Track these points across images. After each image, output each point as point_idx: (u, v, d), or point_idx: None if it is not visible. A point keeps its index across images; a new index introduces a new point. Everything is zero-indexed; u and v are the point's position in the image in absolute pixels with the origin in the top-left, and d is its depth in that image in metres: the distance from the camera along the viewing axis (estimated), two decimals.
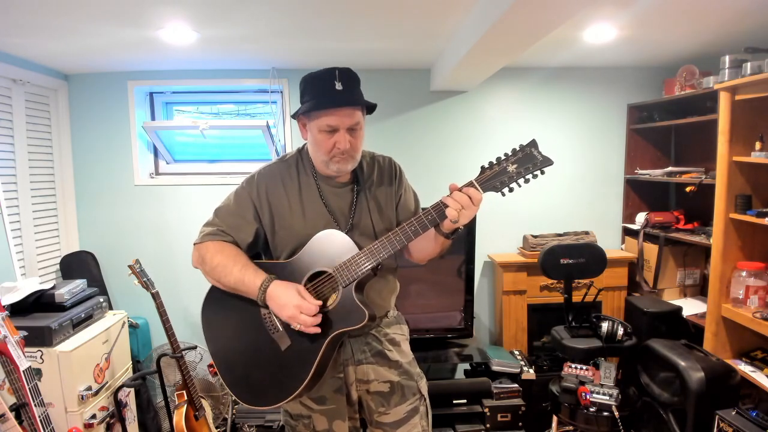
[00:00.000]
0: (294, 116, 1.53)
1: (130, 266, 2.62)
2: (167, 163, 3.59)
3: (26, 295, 2.43)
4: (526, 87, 3.48)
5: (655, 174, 3.24)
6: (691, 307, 2.95)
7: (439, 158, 3.48)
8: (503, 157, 1.42)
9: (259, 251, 1.65)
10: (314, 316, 1.42)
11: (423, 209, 1.47)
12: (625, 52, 3.04)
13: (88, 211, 3.44)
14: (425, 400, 1.70)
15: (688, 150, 3.37)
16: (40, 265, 3.10)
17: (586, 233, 3.40)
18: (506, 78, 3.40)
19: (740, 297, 2.44)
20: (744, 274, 2.44)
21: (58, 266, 3.26)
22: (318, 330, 1.44)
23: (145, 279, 2.63)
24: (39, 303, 2.47)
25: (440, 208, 1.41)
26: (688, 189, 2.86)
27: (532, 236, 3.36)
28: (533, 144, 1.42)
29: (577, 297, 2.93)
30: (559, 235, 3.38)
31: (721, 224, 2.48)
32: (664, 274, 3.17)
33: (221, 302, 1.58)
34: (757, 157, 2.32)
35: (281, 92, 3.41)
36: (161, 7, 2.14)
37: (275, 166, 1.61)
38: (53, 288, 2.55)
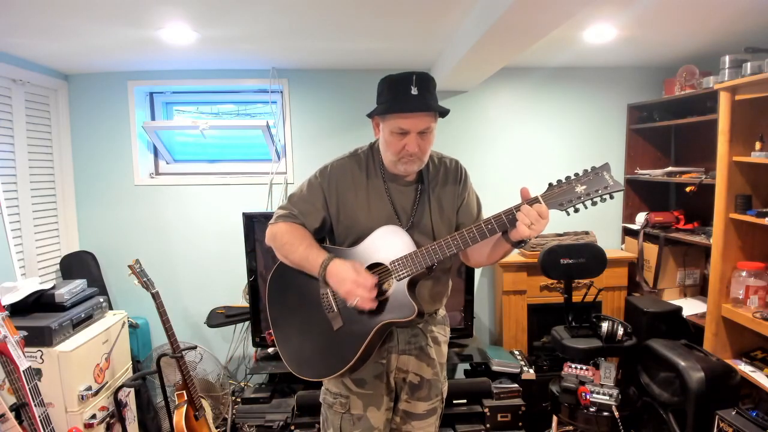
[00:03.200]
0: (369, 116, 1.59)
1: (130, 266, 2.62)
2: (167, 163, 3.59)
3: (26, 295, 2.43)
4: (526, 87, 3.48)
5: (655, 174, 3.24)
6: (691, 307, 2.94)
7: None
8: (573, 177, 1.42)
9: (324, 236, 1.74)
10: (370, 291, 1.48)
11: (484, 219, 1.49)
12: (625, 52, 3.04)
13: (88, 211, 3.44)
14: (442, 402, 1.79)
15: (688, 150, 3.37)
16: (40, 265, 3.10)
17: (586, 233, 3.40)
18: (506, 78, 3.40)
19: (740, 297, 2.44)
20: (744, 274, 2.44)
21: (58, 266, 3.27)
22: (374, 305, 1.50)
23: (145, 279, 2.63)
24: (39, 303, 2.47)
25: (502, 219, 1.43)
26: (688, 189, 2.86)
27: None
28: (606, 167, 1.40)
29: (577, 297, 2.93)
30: (559, 235, 3.38)
31: (721, 224, 2.48)
32: (664, 274, 3.17)
33: (286, 277, 1.69)
34: (757, 157, 2.32)
35: (281, 92, 3.41)
36: (161, 7, 2.14)
37: (346, 160, 1.68)
38: (53, 288, 2.55)
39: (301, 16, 2.29)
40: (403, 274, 1.51)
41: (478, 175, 3.37)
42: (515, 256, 3.41)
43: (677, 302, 3.02)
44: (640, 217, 3.32)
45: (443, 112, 1.56)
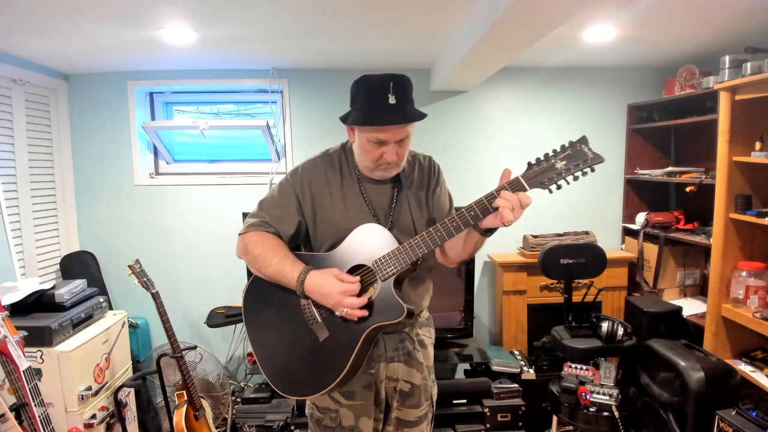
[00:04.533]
0: (343, 121, 1.53)
1: (130, 266, 2.62)
2: (167, 163, 3.59)
3: (26, 295, 2.43)
4: (526, 87, 3.48)
5: (655, 174, 3.24)
6: (691, 307, 2.95)
7: (439, 158, 3.42)
8: (551, 153, 1.38)
9: (299, 243, 1.67)
10: (359, 298, 1.43)
11: (457, 208, 1.42)
12: (625, 52, 3.03)
13: (88, 211, 3.44)
14: (433, 406, 1.75)
15: (688, 150, 3.37)
16: (40, 265, 3.10)
17: (586, 233, 3.40)
18: (506, 78, 3.40)
19: (740, 297, 2.44)
20: (744, 274, 2.44)
21: (58, 266, 3.26)
22: (365, 313, 1.44)
23: (145, 279, 2.63)
24: (39, 303, 2.47)
25: (484, 204, 1.37)
26: (688, 189, 2.86)
27: (532, 236, 3.36)
28: (584, 140, 1.39)
29: (577, 297, 2.93)
30: (559, 235, 3.38)
31: (721, 224, 2.48)
32: (664, 274, 3.17)
33: (262, 292, 1.60)
34: (757, 157, 2.32)
35: (281, 92, 3.41)
36: (161, 7, 2.14)
37: (319, 161, 1.62)
38: (53, 288, 2.55)
39: (301, 16, 2.29)
40: (388, 272, 1.45)
41: (477, 175, 3.40)
42: (515, 256, 3.42)
43: (677, 302, 3.02)
44: (640, 217, 3.32)
45: (421, 118, 1.49)
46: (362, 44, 2.77)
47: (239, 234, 1.61)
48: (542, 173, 1.36)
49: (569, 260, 2.88)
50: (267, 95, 3.41)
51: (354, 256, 1.50)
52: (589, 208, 3.57)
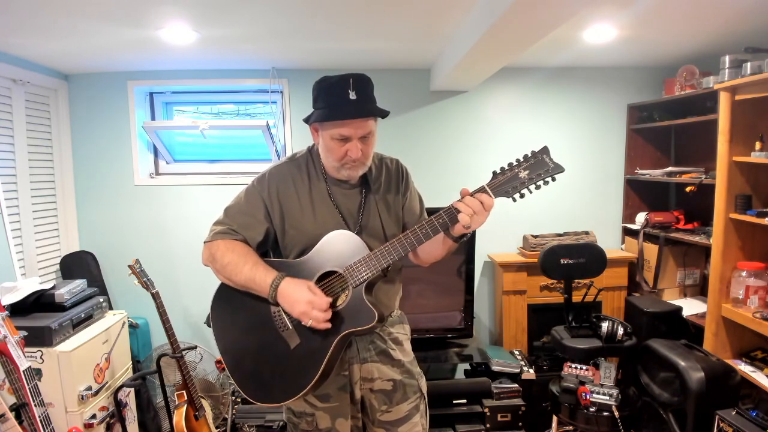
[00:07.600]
0: (306, 121, 1.54)
1: (130, 266, 2.62)
2: (167, 163, 3.59)
3: (26, 295, 2.43)
4: (526, 87, 3.48)
5: (655, 174, 3.24)
6: (691, 307, 2.95)
7: (440, 158, 3.48)
8: (515, 163, 1.42)
9: (267, 249, 1.66)
10: (325, 312, 1.43)
11: (432, 211, 1.45)
12: (625, 52, 3.04)
13: (88, 211, 3.44)
14: (425, 398, 1.72)
15: (688, 150, 3.37)
16: (40, 265, 3.10)
17: (586, 233, 3.40)
18: (506, 78, 3.40)
19: (740, 297, 2.44)
20: (744, 274, 2.44)
21: (58, 266, 3.26)
22: (329, 326, 1.44)
23: (145, 279, 2.63)
24: (39, 303, 2.47)
25: (452, 212, 1.42)
26: (688, 189, 2.86)
27: (532, 236, 3.36)
28: (545, 151, 1.42)
29: (577, 297, 2.93)
30: (559, 235, 3.38)
31: (721, 224, 2.48)
32: (664, 274, 3.17)
33: (231, 299, 1.59)
34: (757, 157, 2.32)
35: (281, 92, 3.41)
36: (161, 7, 2.14)
37: (285, 166, 1.61)
38: (53, 288, 2.55)
39: (301, 16, 2.29)
40: (359, 279, 1.46)
41: (476, 175, 3.37)
42: (515, 256, 3.42)
43: (677, 302, 3.02)
44: (640, 217, 3.32)
45: (384, 114, 1.50)
46: (362, 44, 2.77)
47: (205, 242, 1.59)
48: (506, 182, 1.41)
49: (569, 260, 2.88)
50: (267, 95, 3.41)
51: (325, 262, 1.50)
52: (589, 208, 3.57)
